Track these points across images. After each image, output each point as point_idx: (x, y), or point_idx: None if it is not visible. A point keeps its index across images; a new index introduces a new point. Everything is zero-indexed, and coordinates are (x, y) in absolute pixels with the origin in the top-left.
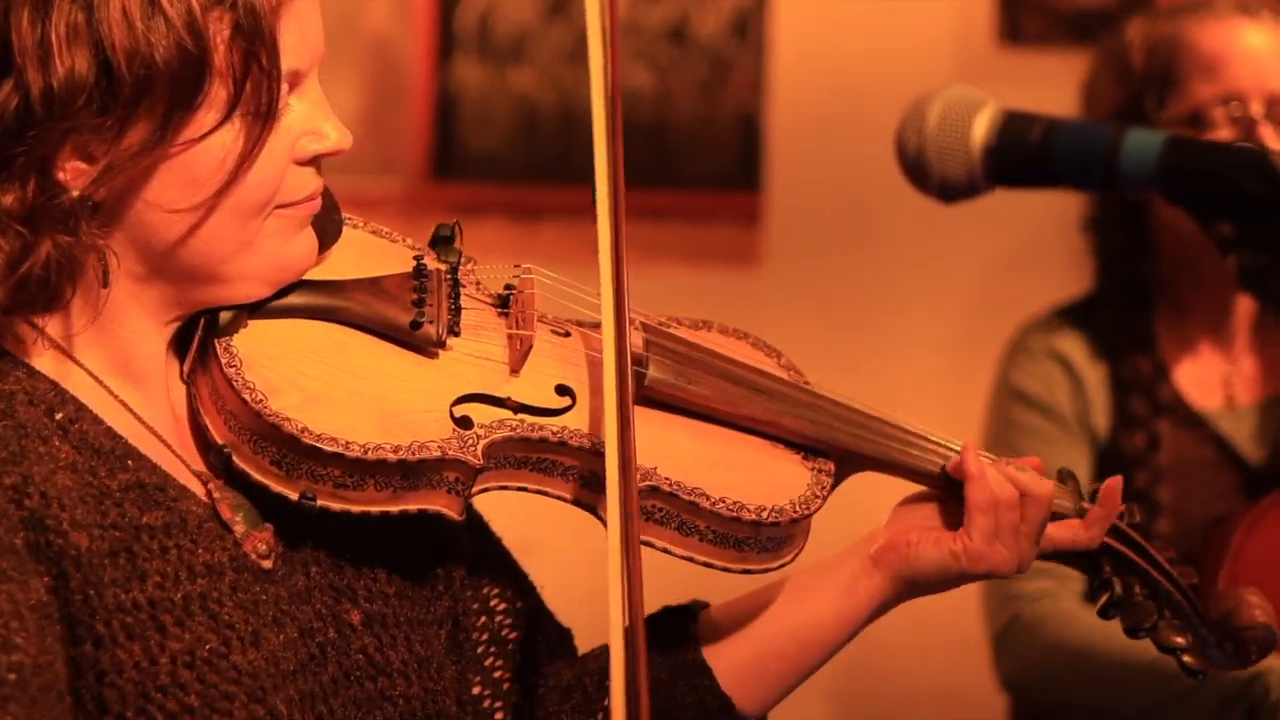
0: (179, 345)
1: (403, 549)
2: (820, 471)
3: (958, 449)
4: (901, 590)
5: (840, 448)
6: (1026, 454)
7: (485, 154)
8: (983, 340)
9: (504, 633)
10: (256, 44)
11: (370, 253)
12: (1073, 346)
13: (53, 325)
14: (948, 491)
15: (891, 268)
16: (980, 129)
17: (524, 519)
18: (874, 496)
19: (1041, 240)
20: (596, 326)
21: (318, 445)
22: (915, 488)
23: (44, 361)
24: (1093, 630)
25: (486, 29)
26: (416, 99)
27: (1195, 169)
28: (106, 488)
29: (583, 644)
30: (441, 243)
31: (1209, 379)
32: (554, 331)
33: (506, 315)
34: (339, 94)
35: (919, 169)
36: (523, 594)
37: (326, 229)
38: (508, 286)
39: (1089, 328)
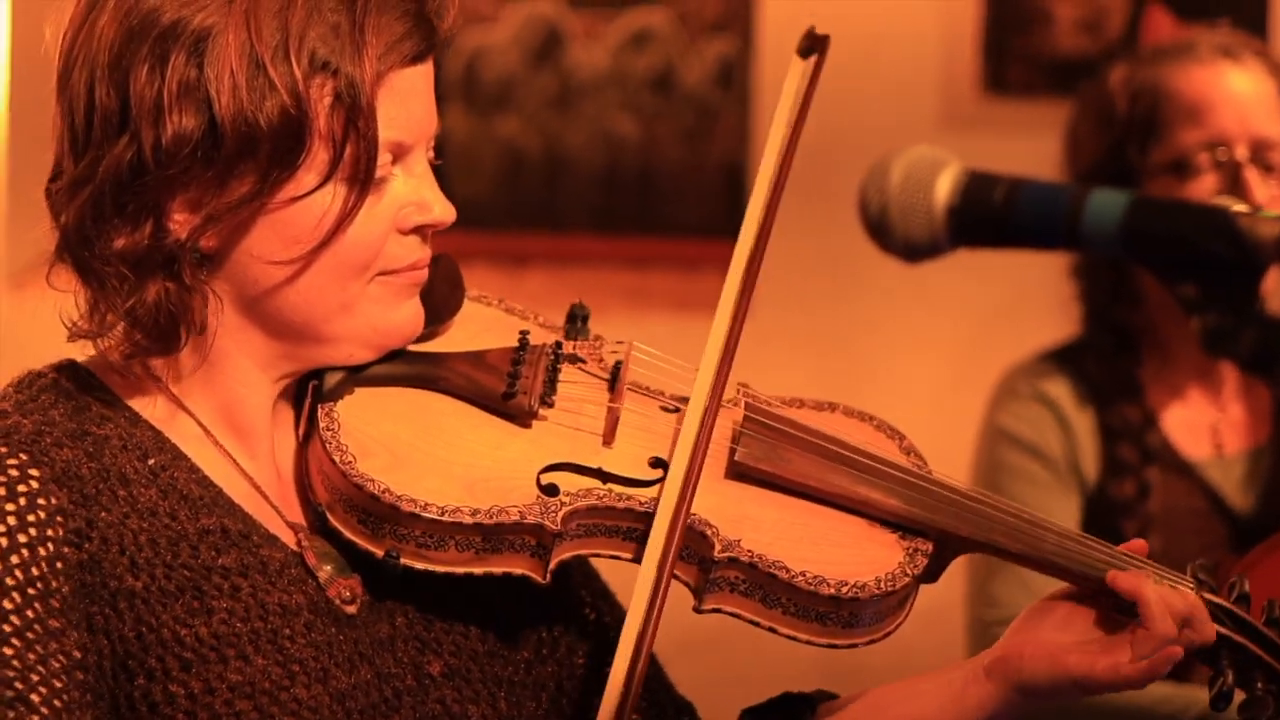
0: (294, 405)
1: (498, 610)
2: (916, 551)
3: (1094, 547)
4: (1012, 700)
5: (938, 528)
6: (1017, 497)
7: (471, 201)
8: (971, 386)
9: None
10: (356, 112)
11: (491, 327)
12: (1060, 391)
13: (166, 371)
14: (1081, 592)
15: (878, 315)
16: (943, 189)
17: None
18: None
19: (1030, 286)
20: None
21: (397, 505)
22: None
23: (152, 408)
24: None
25: (472, 76)
26: None
27: (1158, 230)
28: (185, 531)
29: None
30: (571, 321)
31: (1197, 427)
32: (663, 408)
33: (613, 390)
34: None
35: (882, 229)
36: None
37: (448, 302)
38: (618, 364)
39: (1076, 373)
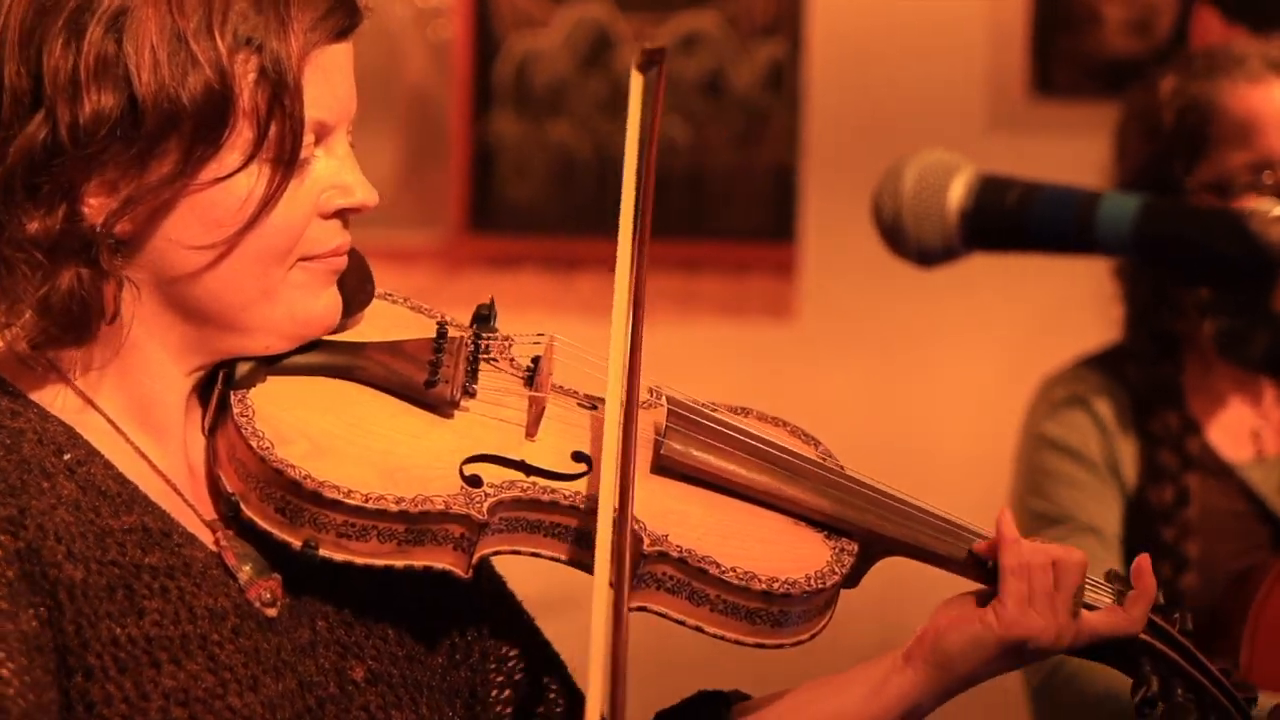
0: (200, 399)
1: (416, 612)
2: (842, 551)
3: (988, 536)
4: (935, 680)
5: (863, 528)
6: (1060, 501)
7: (523, 206)
8: (1018, 389)
9: (494, 692)
10: (282, 89)
11: (401, 324)
12: (1100, 397)
13: (75, 369)
14: (982, 581)
15: (926, 318)
16: (956, 193)
17: (545, 576)
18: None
19: (1075, 289)
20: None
21: (319, 491)
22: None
23: (61, 404)
24: None
25: (524, 81)
26: (455, 151)
27: (1170, 233)
28: (109, 527)
29: None
30: (480, 321)
31: (1238, 431)
32: (581, 404)
33: (531, 386)
34: (378, 147)
35: (895, 233)
36: (548, 667)
37: (357, 296)
38: (534, 358)
39: (1116, 379)
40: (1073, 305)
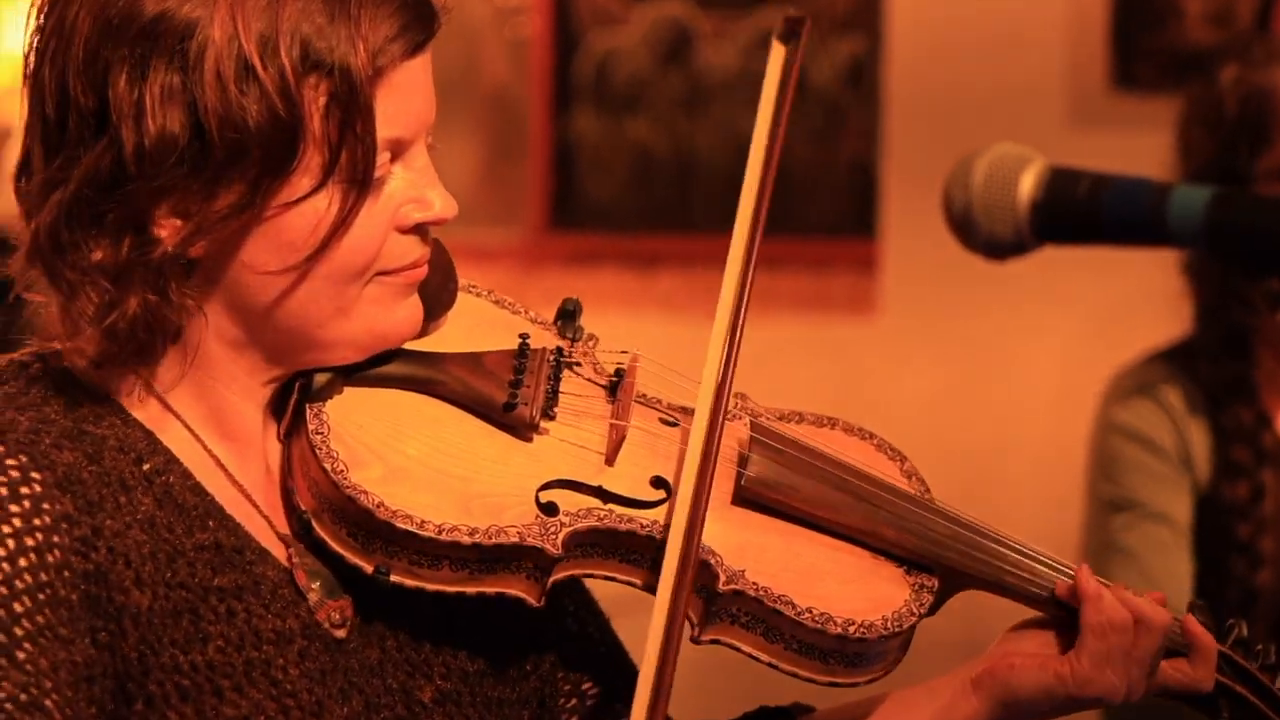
0: (279, 403)
1: (490, 627)
2: (921, 588)
3: (1072, 572)
4: (999, 716)
5: (945, 565)
6: (1129, 486)
7: (603, 203)
8: (1099, 384)
9: (595, 716)
10: (352, 112)
11: (485, 323)
12: (1172, 391)
13: (155, 375)
14: (1059, 618)
15: (1007, 313)
16: (1027, 186)
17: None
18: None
19: (1155, 283)
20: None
21: (391, 522)
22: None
23: (143, 410)
24: None
25: (603, 79)
26: (534, 150)
27: (1242, 224)
28: (181, 546)
29: None
30: (564, 318)
31: None
32: (662, 420)
33: (614, 401)
34: (458, 146)
35: (966, 227)
36: (623, 679)
37: (441, 297)
38: (618, 371)
39: (1188, 374)
40: (1155, 299)
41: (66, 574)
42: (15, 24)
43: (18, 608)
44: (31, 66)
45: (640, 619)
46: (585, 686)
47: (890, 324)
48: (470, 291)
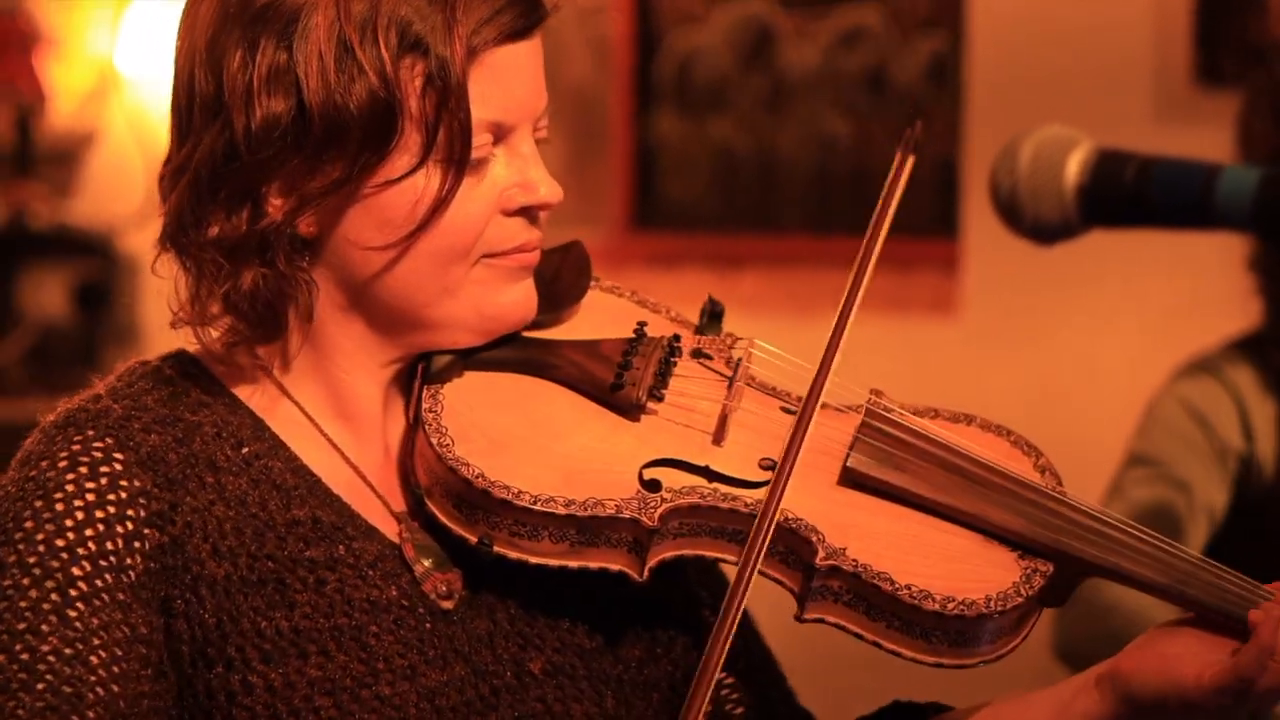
0: (404, 388)
1: (608, 606)
2: (1034, 572)
3: (1228, 580)
4: (1120, 713)
5: (1057, 549)
6: (1162, 448)
7: (685, 203)
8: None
9: (729, 707)
10: (447, 94)
11: (617, 318)
12: (1244, 379)
13: (274, 361)
14: (1212, 621)
15: (1090, 312)
16: (1073, 169)
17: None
18: None
19: (1235, 281)
20: (826, 408)
21: (489, 490)
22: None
23: (256, 395)
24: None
25: (685, 78)
26: (616, 149)
27: None
28: (273, 521)
29: None
30: (706, 316)
31: None
32: (784, 409)
33: (731, 388)
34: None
35: (1012, 210)
36: (760, 669)
37: (572, 290)
38: (738, 359)
39: (1261, 363)
40: (1232, 293)
41: (137, 544)
42: (98, 31)
43: (76, 571)
44: (173, 64)
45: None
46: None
47: (971, 324)
48: (612, 291)
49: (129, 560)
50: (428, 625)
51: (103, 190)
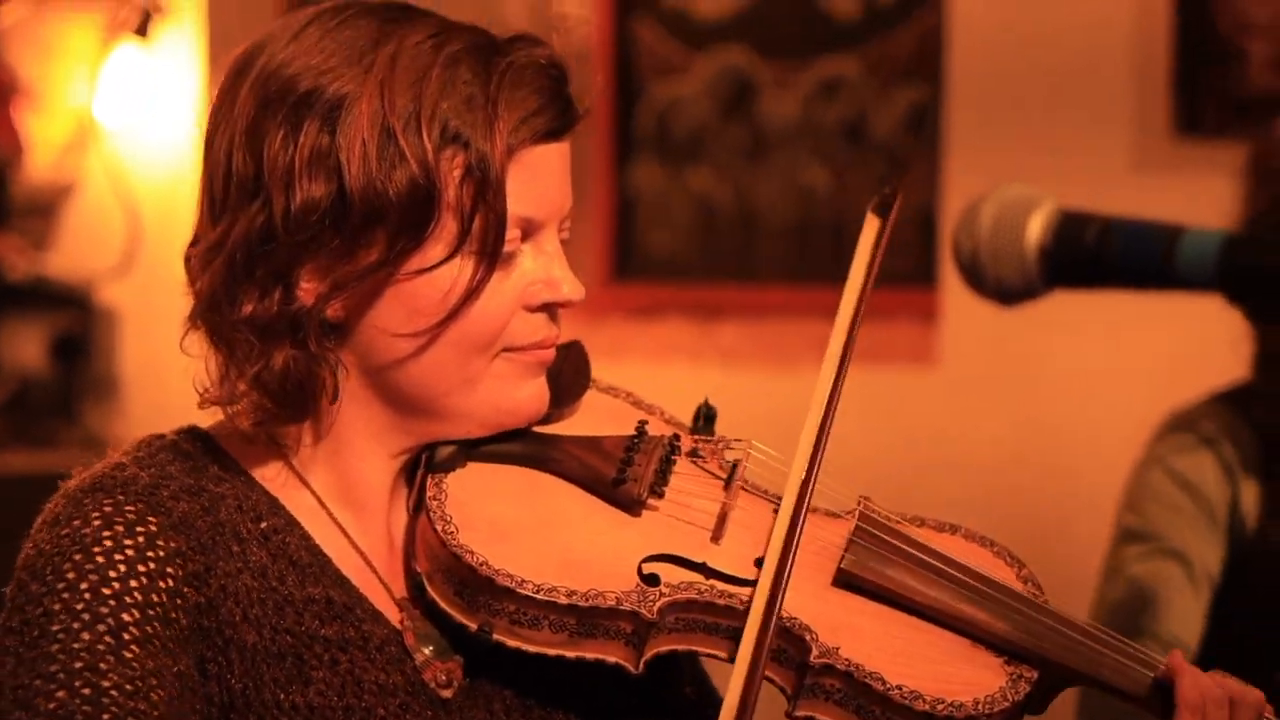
0: (409, 478)
1: (601, 697)
2: (1019, 678)
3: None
4: None
5: (1043, 656)
6: (1153, 519)
7: (665, 254)
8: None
9: None
10: (485, 186)
11: (614, 417)
12: (1228, 438)
13: (291, 445)
14: (1160, 714)
15: (1069, 362)
16: (1035, 230)
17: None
18: None
19: (1219, 330)
20: (817, 512)
21: (493, 578)
22: None
23: (272, 477)
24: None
25: (665, 129)
26: (596, 200)
27: (1254, 269)
28: (291, 596)
29: None
30: (699, 419)
31: None
32: (775, 510)
33: (728, 488)
34: None
35: (974, 272)
36: None
37: (571, 388)
38: (736, 464)
39: (1245, 418)
40: (1217, 344)
41: (179, 600)
42: (77, 82)
43: (126, 618)
44: (204, 144)
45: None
46: None
47: (951, 375)
48: (608, 392)
49: (173, 614)
50: (429, 713)
51: (81, 242)
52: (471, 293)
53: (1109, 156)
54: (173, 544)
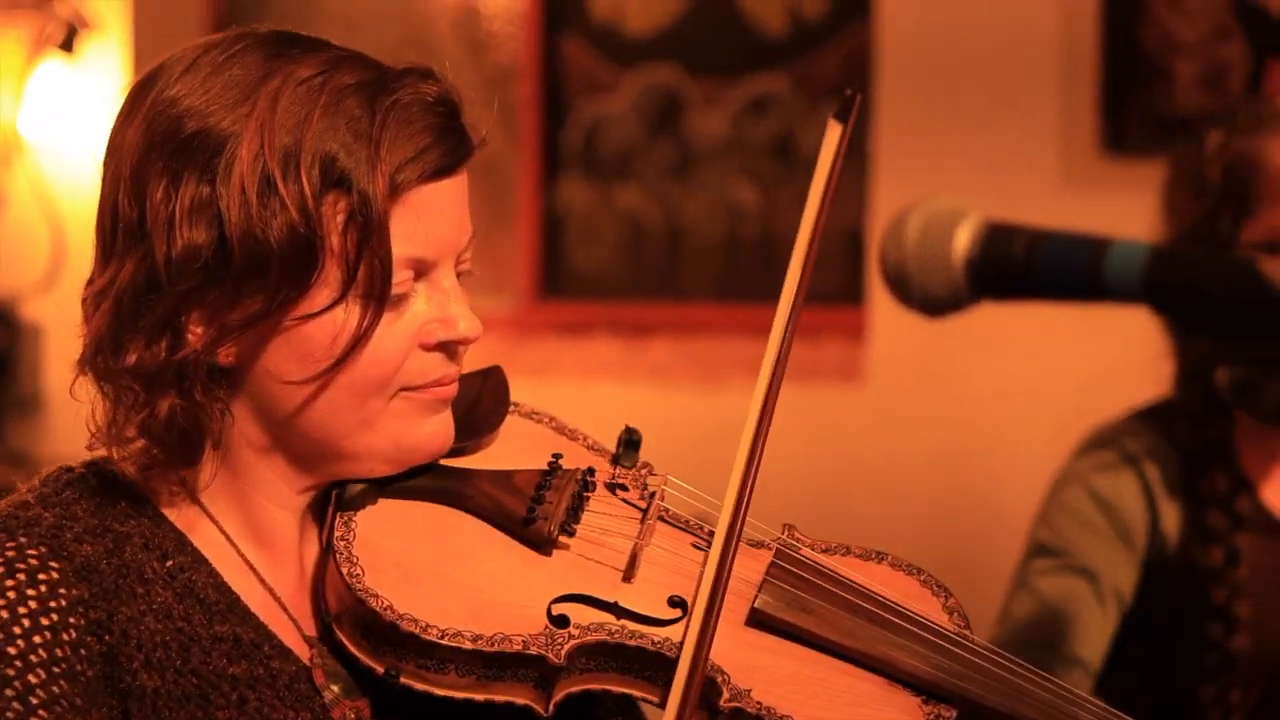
0: (319, 512)
1: None
2: (937, 718)
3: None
4: None
5: (963, 695)
6: (1066, 536)
7: (593, 272)
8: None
9: None
10: (369, 231)
11: (533, 446)
12: (1150, 458)
13: (191, 480)
14: None
15: (995, 380)
16: (961, 241)
17: None
18: None
19: (1144, 347)
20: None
21: (397, 624)
22: None
23: (177, 511)
24: None
25: (593, 146)
26: (524, 218)
27: (1181, 281)
28: (197, 635)
29: None
30: (624, 445)
31: None
32: (695, 544)
33: (644, 523)
34: None
35: (900, 283)
36: None
37: (490, 417)
38: (651, 494)
39: (1166, 436)
40: (1138, 362)
41: (83, 652)
42: (1, 97)
43: (33, 679)
44: (101, 178)
45: None
46: None
47: (878, 392)
48: (531, 418)
49: (78, 667)
50: None
51: (5, 257)
52: (361, 337)
53: (1036, 175)
54: (75, 592)
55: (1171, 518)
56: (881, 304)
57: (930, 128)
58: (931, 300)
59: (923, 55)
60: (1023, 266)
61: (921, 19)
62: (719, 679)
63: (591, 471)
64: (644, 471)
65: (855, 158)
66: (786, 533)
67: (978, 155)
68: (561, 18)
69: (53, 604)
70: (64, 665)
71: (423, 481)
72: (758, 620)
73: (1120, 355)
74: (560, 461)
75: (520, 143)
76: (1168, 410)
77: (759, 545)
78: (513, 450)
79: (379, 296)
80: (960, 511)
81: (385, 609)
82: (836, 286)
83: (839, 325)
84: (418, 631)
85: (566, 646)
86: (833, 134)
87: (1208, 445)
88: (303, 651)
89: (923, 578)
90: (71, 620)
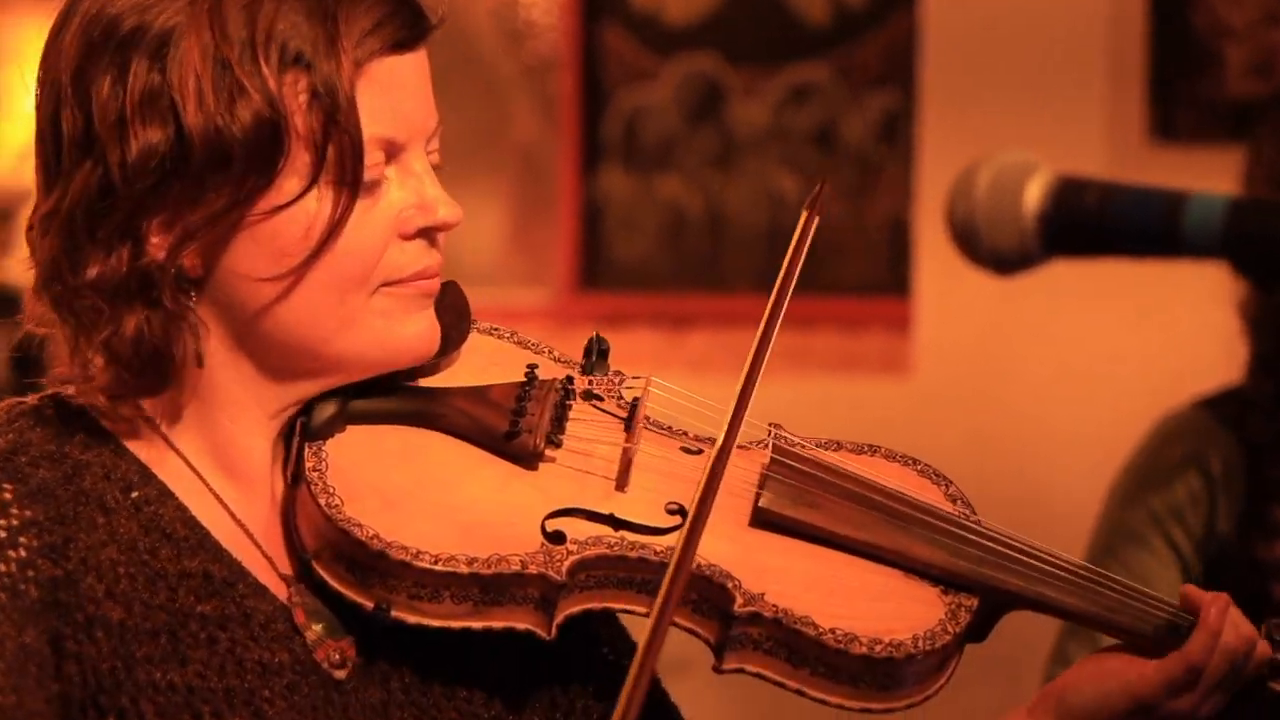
0: (287, 445)
1: (508, 668)
2: (959, 607)
3: (1158, 605)
4: None
5: (981, 581)
6: (1132, 567)
7: (632, 263)
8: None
9: None
10: (335, 108)
11: (501, 361)
12: (1212, 443)
13: (156, 410)
14: (1142, 648)
15: (1043, 371)
16: (1033, 195)
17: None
18: None
19: (1198, 336)
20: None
21: (386, 551)
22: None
23: (141, 444)
24: None
25: (633, 136)
26: (563, 209)
27: (1263, 233)
28: (164, 570)
29: None
30: (591, 355)
31: None
32: (684, 449)
33: (629, 429)
34: (486, 204)
35: (969, 239)
36: (663, 711)
37: (452, 336)
38: (636, 401)
39: (1232, 426)
40: (1197, 354)
41: (30, 572)
42: (27, 86)
43: None
44: (35, 102)
45: (699, 679)
46: None
47: (923, 384)
48: (491, 333)
49: (21, 585)
50: (320, 693)
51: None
52: (335, 225)
53: (1083, 163)
54: (28, 513)
55: (1229, 509)
56: (927, 295)
57: (975, 116)
58: (1000, 256)
59: (967, 42)
60: (1096, 220)
61: (966, 5)
62: (729, 585)
63: (570, 380)
64: (617, 380)
65: (898, 146)
66: (772, 432)
67: (1024, 143)
68: (601, 6)
69: (2, 522)
70: (6, 579)
71: (392, 404)
72: (763, 520)
73: (1174, 343)
74: (536, 372)
75: (560, 133)
76: (1236, 399)
77: (753, 445)
78: (478, 366)
79: (352, 180)
80: (1007, 503)
81: (371, 538)
82: (880, 278)
83: (884, 317)
84: (408, 559)
85: (567, 562)
86: (805, 221)
87: (1276, 436)
88: (279, 590)
89: (919, 467)
90: (22, 540)
